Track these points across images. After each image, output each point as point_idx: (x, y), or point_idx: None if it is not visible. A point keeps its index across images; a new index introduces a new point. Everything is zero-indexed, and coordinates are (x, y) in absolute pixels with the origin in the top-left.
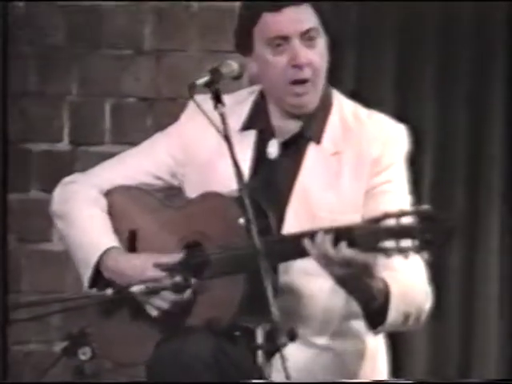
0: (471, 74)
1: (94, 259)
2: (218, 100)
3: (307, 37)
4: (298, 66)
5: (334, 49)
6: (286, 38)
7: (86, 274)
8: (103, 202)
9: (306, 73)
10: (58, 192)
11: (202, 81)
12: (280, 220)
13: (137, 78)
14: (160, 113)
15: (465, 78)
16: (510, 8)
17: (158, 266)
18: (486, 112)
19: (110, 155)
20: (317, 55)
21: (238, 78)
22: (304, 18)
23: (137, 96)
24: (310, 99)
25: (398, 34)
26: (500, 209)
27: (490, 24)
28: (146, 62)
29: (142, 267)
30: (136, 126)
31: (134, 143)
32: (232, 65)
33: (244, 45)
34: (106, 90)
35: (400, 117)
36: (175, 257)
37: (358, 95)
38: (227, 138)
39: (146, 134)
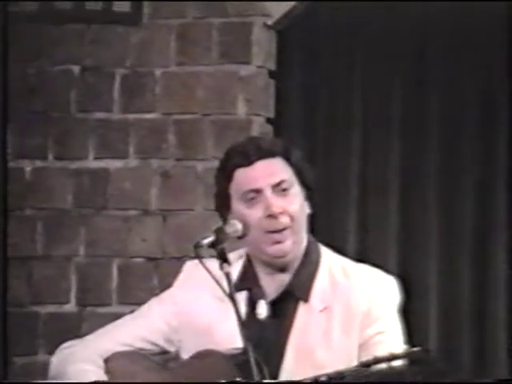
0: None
1: None
2: (223, 259)
3: (280, 188)
4: (272, 216)
5: (314, 200)
6: (258, 191)
7: None
8: (101, 363)
9: (283, 221)
10: (55, 358)
11: (207, 241)
12: (274, 379)
13: (143, 239)
14: (166, 272)
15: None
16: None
17: None
18: (487, 272)
19: (117, 316)
20: (292, 204)
21: (242, 237)
22: (276, 170)
23: (143, 256)
24: (290, 247)
25: (401, 192)
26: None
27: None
28: (153, 222)
29: None
30: (142, 285)
31: (140, 303)
32: (236, 224)
33: (223, 205)
34: (112, 250)
35: (403, 270)
36: None
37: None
38: (232, 297)
39: (152, 294)
